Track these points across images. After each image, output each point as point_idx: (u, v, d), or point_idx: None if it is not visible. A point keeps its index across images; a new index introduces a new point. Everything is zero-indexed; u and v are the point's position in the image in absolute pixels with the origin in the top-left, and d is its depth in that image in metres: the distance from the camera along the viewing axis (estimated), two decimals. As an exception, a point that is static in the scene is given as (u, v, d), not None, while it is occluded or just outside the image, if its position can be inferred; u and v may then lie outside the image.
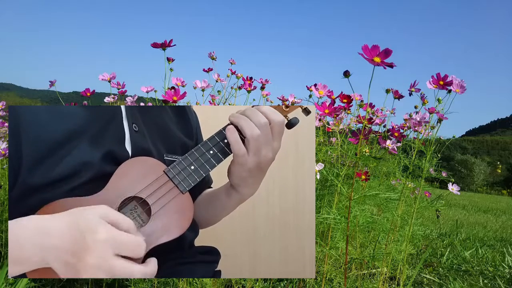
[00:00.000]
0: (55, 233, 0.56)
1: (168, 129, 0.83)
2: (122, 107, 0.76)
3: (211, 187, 0.98)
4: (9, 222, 0.57)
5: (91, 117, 0.71)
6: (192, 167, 0.74)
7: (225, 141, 0.77)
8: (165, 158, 0.78)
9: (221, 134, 0.77)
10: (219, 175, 1.01)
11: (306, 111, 0.82)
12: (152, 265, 0.62)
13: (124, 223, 0.60)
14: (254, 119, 0.74)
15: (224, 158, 0.77)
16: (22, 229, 0.55)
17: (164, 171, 0.72)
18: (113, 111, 0.74)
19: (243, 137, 0.74)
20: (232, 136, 0.73)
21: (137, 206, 0.72)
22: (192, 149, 0.76)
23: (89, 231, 0.56)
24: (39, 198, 0.64)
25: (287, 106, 0.80)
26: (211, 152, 0.76)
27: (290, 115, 0.82)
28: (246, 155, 0.74)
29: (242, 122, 0.74)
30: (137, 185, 0.70)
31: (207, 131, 1.00)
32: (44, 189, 0.64)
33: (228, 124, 0.77)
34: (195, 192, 0.91)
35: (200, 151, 0.76)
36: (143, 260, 0.68)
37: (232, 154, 0.77)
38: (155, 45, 0.98)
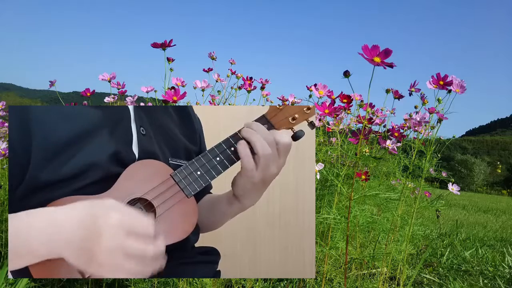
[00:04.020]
0: (66, 224, 0.57)
1: (173, 133, 0.84)
2: (131, 109, 0.77)
3: (211, 193, 0.99)
4: (10, 215, 0.57)
5: (101, 118, 0.71)
6: (199, 172, 0.76)
7: (232, 149, 0.78)
8: (170, 162, 0.79)
9: (228, 141, 0.78)
10: (218, 181, 1.01)
11: (312, 125, 0.84)
12: (162, 242, 0.63)
13: (132, 212, 0.62)
14: (265, 136, 0.76)
15: (230, 166, 0.78)
16: (29, 221, 0.56)
17: (170, 175, 0.74)
18: (122, 113, 0.75)
19: (253, 152, 0.76)
20: (244, 151, 0.76)
21: (142, 208, 0.72)
22: (195, 154, 0.77)
23: (102, 216, 0.58)
24: (45, 196, 0.65)
25: (294, 119, 0.82)
26: (218, 159, 0.77)
27: (296, 127, 0.83)
28: (254, 170, 0.76)
29: (255, 138, 0.76)
30: (144, 187, 0.71)
31: (207, 131, 1.00)
32: (51, 187, 0.65)
33: (235, 134, 0.78)
34: (196, 197, 0.92)
35: (207, 157, 0.77)
36: None
37: (237, 162, 0.79)
38: (155, 45, 0.98)
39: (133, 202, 0.71)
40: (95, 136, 0.69)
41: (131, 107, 0.77)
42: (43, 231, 0.56)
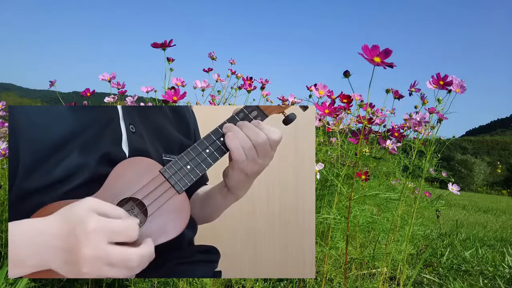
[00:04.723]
0: (48, 233, 0.56)
1: (166, 129, 0.83)
2: (119, 108, 0.76)
3: (207, 184, 0.98)
4: (9, 223, 0.57)
5: (88, 119, 0.70)
6: (188, 167, 0.73)
7: (222, 139, 0.76)
8: (163, 158, 0.78)
9: (218, 132, 0.77)
10: (215, 173, 1.01)
11: (304, 107, 0.83)
12: (148, 245, 0.60)
13: (113, 211, 0.59)
14: (255, 138, 0.74)
15: (221, 157, 0.77)
16: (17, 233, 0.55)
17: (160, 171, 0.72)
18: (110, 112, 0.74)
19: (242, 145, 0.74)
20: (233, 142, 0.74)
21: (134, 207, 0.71)
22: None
23: (79, 224, 0.55)
24: (35, 200, 0.64)
25: (284, 104, 0.81)
26: (208, 151, 0.75)
27: (288, 111, 0.82)
28: (245, 161, 0.74)
29: (242, 132, 0.74)
30: (133, 186, 0.69)
31: (207, 131, 1.00)
32: (41, 191, 0.64)
33: (224, 122, 0.77)
34: (190, 189, 0.91)
35: (197, 150, 0.75)
36: None
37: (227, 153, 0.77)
38: (155, 45, 0.98)
39: (124, 202, 0.70)
40: (84, 137, 0.68)
41: (119, 106, 0.76)
42: (29, 242, 0.55)
